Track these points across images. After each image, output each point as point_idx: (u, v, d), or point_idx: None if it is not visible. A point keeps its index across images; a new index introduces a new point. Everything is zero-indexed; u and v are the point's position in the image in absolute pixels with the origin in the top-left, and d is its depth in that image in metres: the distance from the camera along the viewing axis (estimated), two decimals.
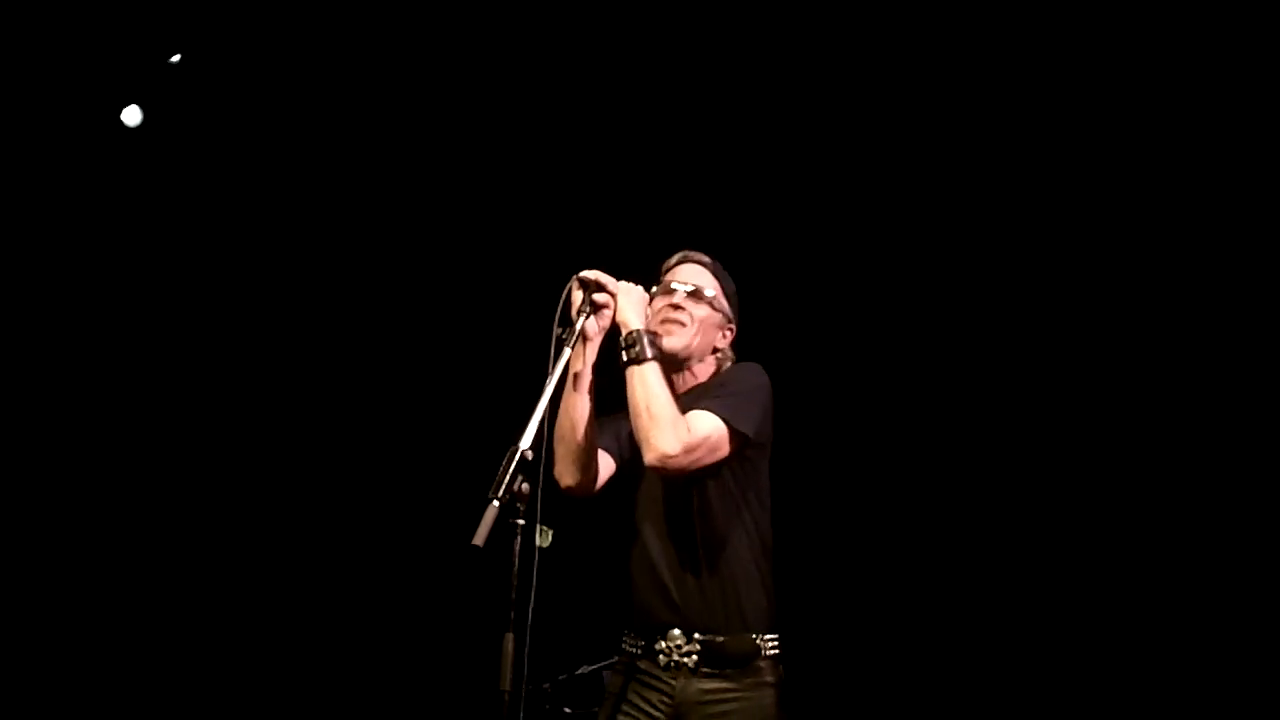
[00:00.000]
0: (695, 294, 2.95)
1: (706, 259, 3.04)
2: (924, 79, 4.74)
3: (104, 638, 5.13)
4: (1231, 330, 4.35)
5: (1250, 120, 4.33)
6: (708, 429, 2.74)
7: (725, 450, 2.78)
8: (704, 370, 2.99)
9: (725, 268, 3.08)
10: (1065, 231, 4.60)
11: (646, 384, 2.74)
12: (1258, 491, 4.24)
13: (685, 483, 2.82)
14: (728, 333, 3.02)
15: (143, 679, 5.10)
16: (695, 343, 2.93)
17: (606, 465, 2.95)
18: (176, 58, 5.21)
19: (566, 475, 2.86)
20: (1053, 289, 4.61)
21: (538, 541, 2.52)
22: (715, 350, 3.00)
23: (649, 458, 2.72)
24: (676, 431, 2.69)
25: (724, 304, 3.00)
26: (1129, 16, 4.44)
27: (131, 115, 5.22)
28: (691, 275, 3.00)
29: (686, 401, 2.83)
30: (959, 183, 4.74)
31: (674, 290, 2.95)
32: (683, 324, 2.92)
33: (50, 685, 5.02)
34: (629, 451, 2.95)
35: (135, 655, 5.12)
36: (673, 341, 2.89)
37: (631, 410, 2.76)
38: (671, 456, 2.69)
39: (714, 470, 2.81)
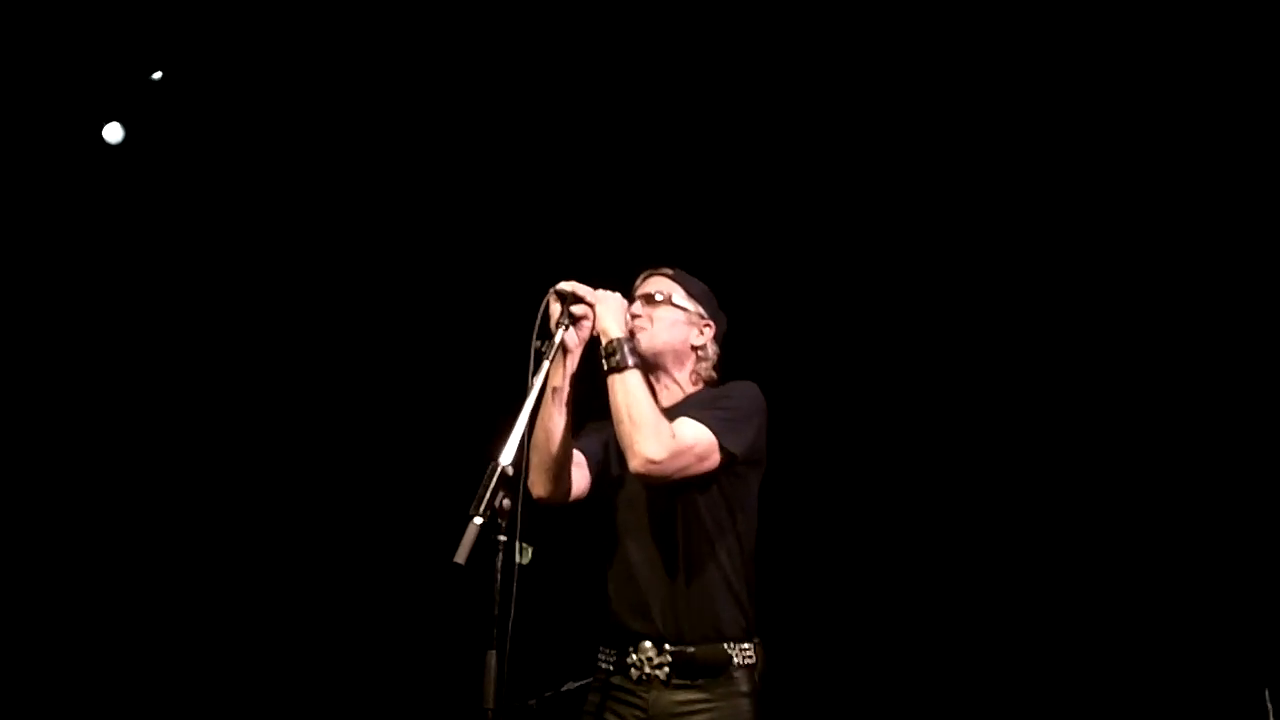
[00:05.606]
0: (649, 299, 2.99)
1: (668, 269, 3.08)
2: (911, 86, 4.75)
3: (91, 641, 5.11)
4: (1227, 331, 4.35)
5: (1250, 120, 4.34)
6: (694, 437, 2.74)
7: (712, 463, 2.77)
8: (689, 377, 3.01)
9: (705, 278, 3.09)
10: (1049, 244, 4.61)
11: (629, 390, 2.74)
12: (1253, 491, 4.24)
13: (672, 492, 2.80)
14: (705, 329, 3.03)
15: (123, 690, 5.06)
16: (660, 340, 2.96)
17: (584, 475, 2.94)
18: (158, 75, 5.21)
19: (539, 485, 2.86)
20: (1030, 303, 4.62)
21: (518, 559, 2.50)
22: (695, 348, 3.01)
23: (633, 464, 2.71)
24: (659, 436, 2.69)
25: (688, 302, 3.02)
26: (1115, 17, 4.44)
27: (113, 132, 5.22)
28: (648, 286, 3.04)
29: (676, 412, 2.83)
30: (942, 192, 4.76)
31: (633, 303, 2.98)
32: (642, 328, 2.95)
33: (34, 686, 4.98)
34: (609, 460, 2.95)
35: (118, 662, 5.09)
36: (638, 343, 2.90)
37: (614, 417, 2.76)
38: (656, 462, 2.68)
39: (703, 483, 2.80)
